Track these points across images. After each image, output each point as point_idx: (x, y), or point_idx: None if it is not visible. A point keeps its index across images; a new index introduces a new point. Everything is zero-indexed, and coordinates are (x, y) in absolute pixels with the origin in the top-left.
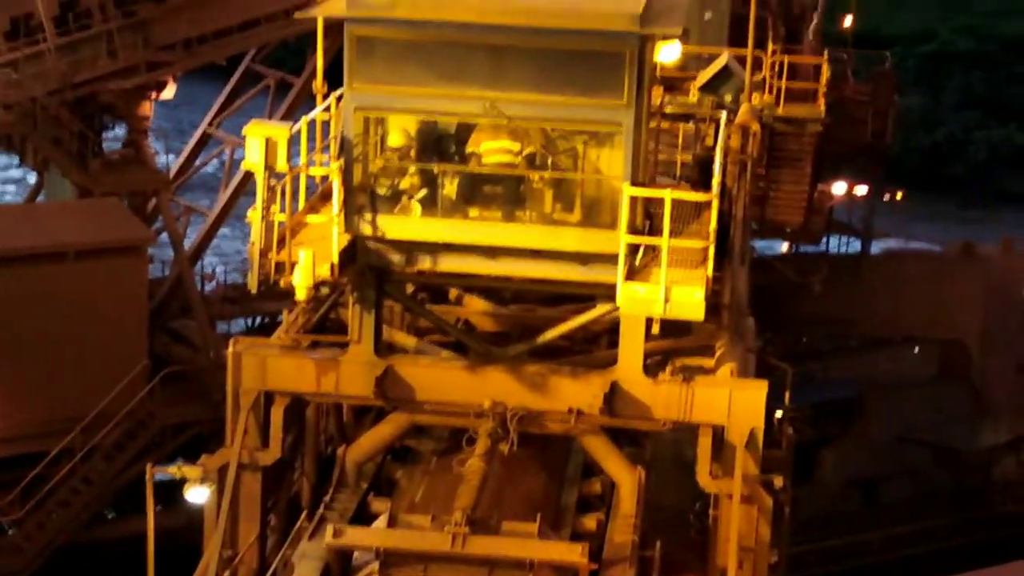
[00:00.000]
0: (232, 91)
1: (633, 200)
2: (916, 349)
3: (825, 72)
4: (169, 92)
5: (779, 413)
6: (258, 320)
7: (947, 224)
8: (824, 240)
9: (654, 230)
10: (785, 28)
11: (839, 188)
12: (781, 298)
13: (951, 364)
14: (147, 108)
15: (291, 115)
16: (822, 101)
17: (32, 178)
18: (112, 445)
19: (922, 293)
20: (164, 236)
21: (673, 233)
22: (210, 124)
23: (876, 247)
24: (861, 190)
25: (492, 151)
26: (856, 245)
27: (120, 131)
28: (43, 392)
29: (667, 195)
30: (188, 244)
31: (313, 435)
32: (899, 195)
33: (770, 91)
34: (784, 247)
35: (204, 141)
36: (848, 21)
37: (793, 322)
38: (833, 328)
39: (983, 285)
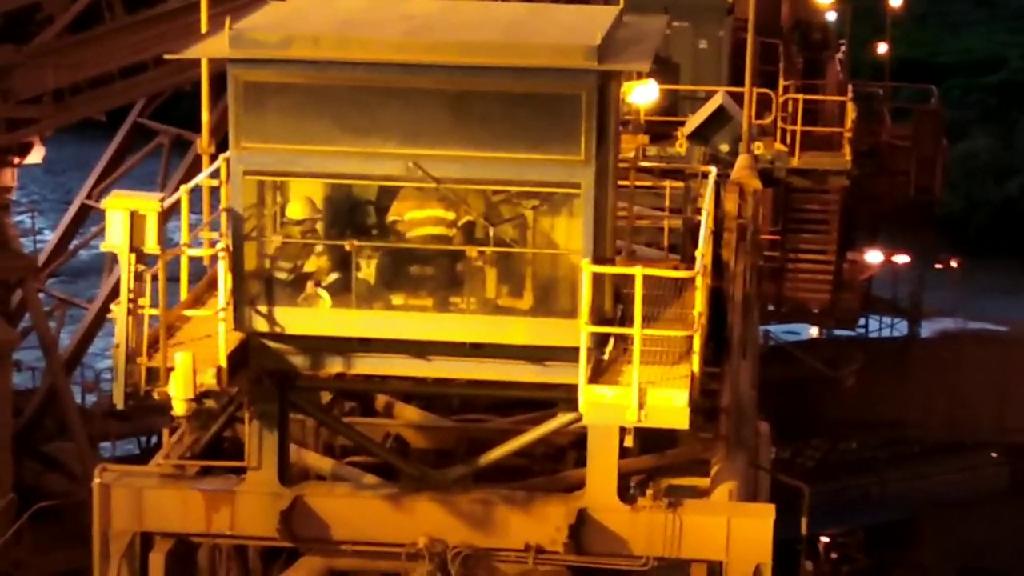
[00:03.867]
0: (117, 152)
1: (598, 280)
2: (992, 455)
3: (851, 112)
4: (36, 156)
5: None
6: (154, 439)
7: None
8: (862, 322)
9: (626, 317)
10: (804, 59)
11: (874, 257)
12: (810, 396)
13: None
14: (8, 177)
15: (190, 180)
16: (848, 149)
17: None
18: None
19: (987, 386)
20: (33, 336)
21: (650, 320)
22: (90, 194)
23: (928, 329)
24: (902, 259)
25: (419, 222)
26: (902, 327)
27: None
28: None
29: (637, 272)
30: (63, 346)
31: None
32: (954, 263)
33: (783, 138)
34: (813, 332)
35: (83, 215)
36: (883, 48)
37: (826, 425)
38: (876, 432)
39: None
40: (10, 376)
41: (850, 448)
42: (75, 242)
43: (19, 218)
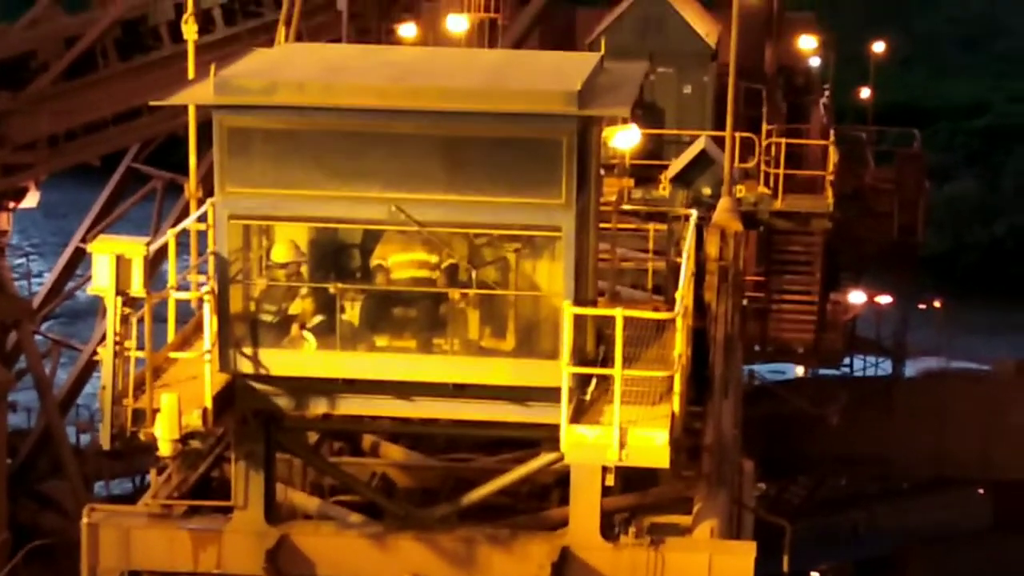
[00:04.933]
0: (111, 196)
1: (579, 321)
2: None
3: (833, 156)
4: (31, 200)
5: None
6: (148, 478)
7: (1012, 337)
8: (847, 361)
9: (608, 358)
10: (788, 103)
11: (858, 298)
12: (796, 434)
13: (1009, 512)
14: (4, 220)
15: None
16: (830, 192)
17: None
18: None
19: (970, 424)
20: (29, 378)
21: (632, 361)
22: (84, 237)
23: (911, 368)
24: (885, 299)
25: (402, 265)
26: (887, 367)
27: None
28: None
29: (618, 313)
30: (58, 388)
31: None
32: (937, 304)
33: (766, 181)
34: (799, 371)
35: (78, 259)
36: (865, 93)
37: (812, 463)
38: (861, 469)
39: None
40: (5, 416)
41: (838, 484)
42: (70, 285)
43: (18, 261)
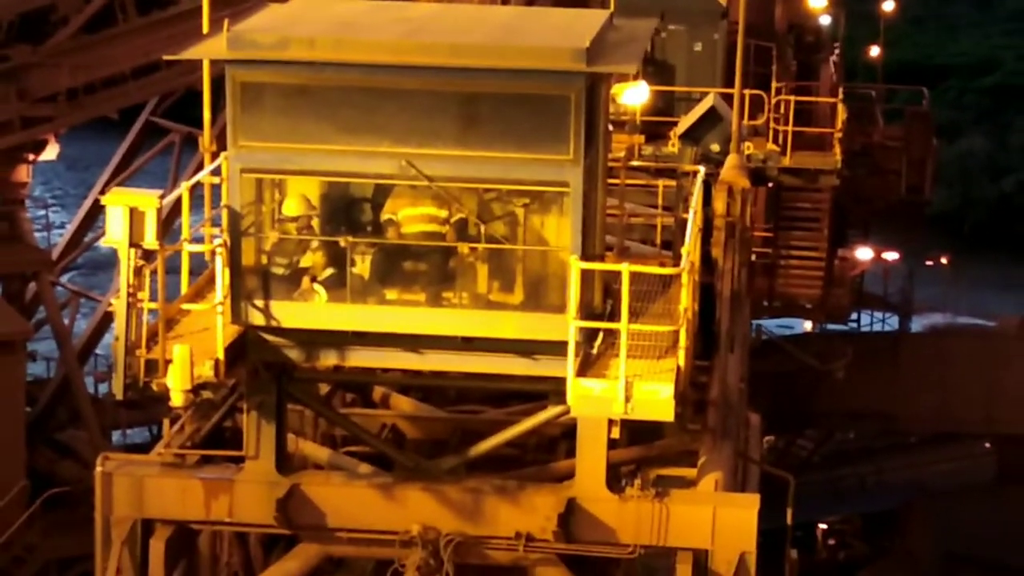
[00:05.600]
0: (130, 149)
1: (586, 276)
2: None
3: (841, 114)
4: (51, 152)
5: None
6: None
7: (1019, 293)
8: (854, 317)
9: (615, 312)
10: (798, 61)
11: (865, 254)
12: (803, 389)
13: (1012, 466)
14: (24, 173)
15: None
16: (838, 149)
17: None
18: None
19: (975, 379)
20: (48, 328)
21: (638, 315)
22: (103, 190)
23: (918, 324)
24: (892, 256)
25: (412, 219)
26: (894, 322)
27: None
28: None
29: (624, 268)
30: (77, 338)
31: (209, 570)
32: (944, 260)
33: (775, 138)
34: (807, 326)
35: (97, 211)
36: (875, 51)
37: (819, 417)
38: (865, 425)
39: None
40: (24, 366)
41: (847, 438)
42: (90, 236)
43: (41, 213)
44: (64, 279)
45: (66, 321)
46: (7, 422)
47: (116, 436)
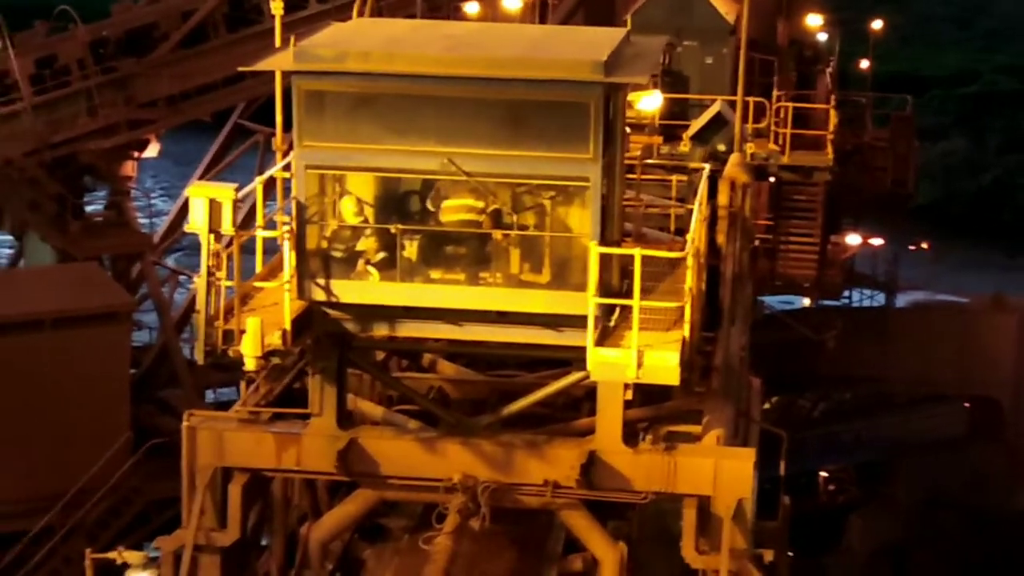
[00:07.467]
0: (221, 148)
1: (607, 259)
2: (959, 406)
3: (833, 118)
4: (152, 150)
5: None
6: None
7: (995, 273)
8: (847, 294)
9: (631, 291)
10: (797, 72)
11: (854, 240)
12: (802, 356)
13: (983, 423)
14: (130, 168)
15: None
16: (830, 149)
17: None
18: (94, 523)
19: (950, 348)
20: (150, 302)
21: (650, 293)
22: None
23: (902, 300)
24: (877, 241)
25: (453, 209)
26: (881, 299)
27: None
28: (21, 468)
29: (636, 252)
30: (175, 310)
31: (281, 513)
32: (925, 245)
33: (776, 139)
34: (805, 302)
35: None
36: (865, 64)
37: (816, 381)
38: (857, 387)
39: (1015, 338)
40: (130, 335)
41: (844, 399)
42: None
43: (151, 202)
44: (169, 260)
45: (166, 295)
46: (115, 382)
47: (209, 395)
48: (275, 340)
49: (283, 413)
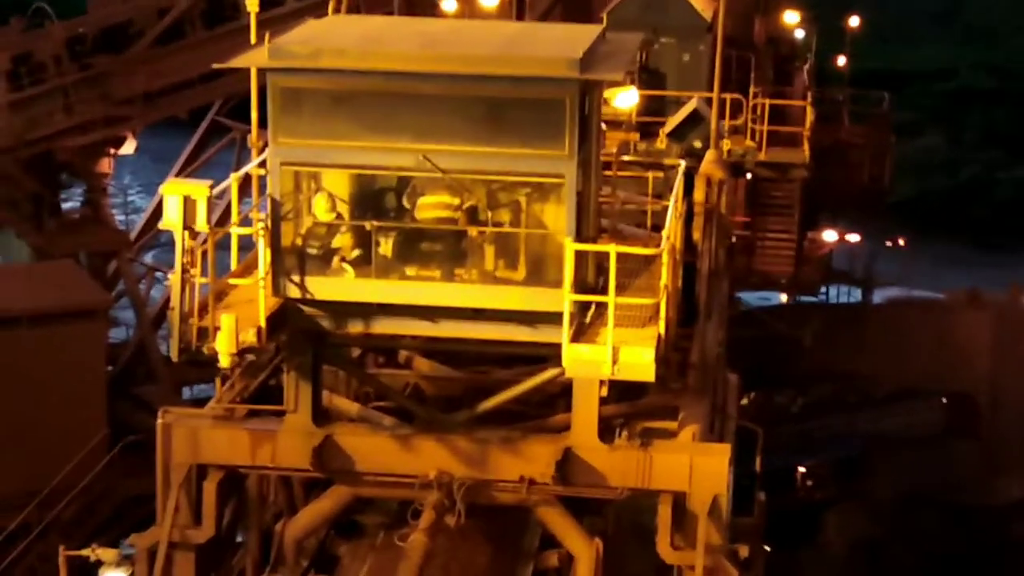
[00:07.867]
0: (198, 145)
1: (582, 255)
2: (935, 402)
3: (809, 115)
4: (129, 147)
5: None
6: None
7: (971, 269)
8: (824, 290)
9: (606, 287)
10: (774, 69)
11: (830, 236)
12: (779, 353)
13: (959, 418)
14: (106, 165)
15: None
16: (807, 145)
17: None
18: (70, 520)
19: (926, 344)
20: (126, 298)
21: (626, 289)
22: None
23: (879, 296)
24: (853, 238)
25: (429, 206)
26: (858, 295)
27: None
28: None
29: (611, 249)
30: (151, 307)
31: (256, 510)
32: (902, 241)
33: (752, 136)
34: (783, 298)
35: None
36: (842, 61)
37: (794, 377)
38: (834, 383)
39: (991, 334)
40: (106, 331)
41: (821, 394)
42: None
43: (129, 199)
44: (148, 256)
45: (142, 292)
46: (91, 379)
47: (186, 391)
48: (250, 337)
49: (258, 410)
